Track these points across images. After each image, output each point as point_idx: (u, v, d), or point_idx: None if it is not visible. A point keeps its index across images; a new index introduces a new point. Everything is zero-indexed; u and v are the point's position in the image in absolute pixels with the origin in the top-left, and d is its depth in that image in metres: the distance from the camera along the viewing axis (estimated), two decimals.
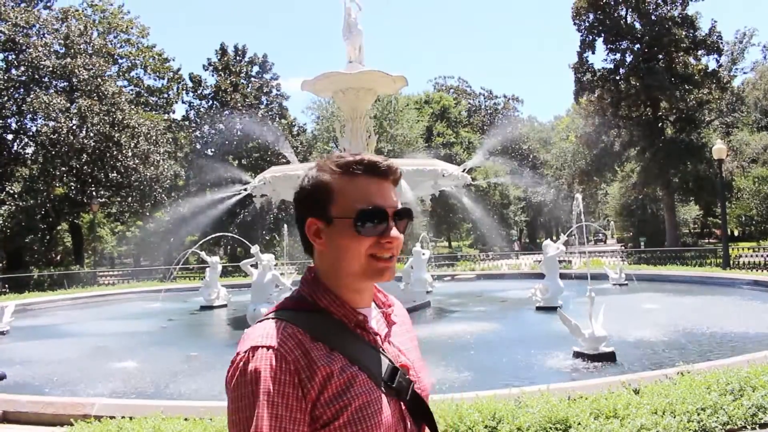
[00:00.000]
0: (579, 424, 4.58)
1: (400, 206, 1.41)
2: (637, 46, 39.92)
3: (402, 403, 1.38)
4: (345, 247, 1.36)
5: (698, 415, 4.78)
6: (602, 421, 4.66)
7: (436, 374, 7.86)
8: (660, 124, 40.85)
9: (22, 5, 33.46)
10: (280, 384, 1.23)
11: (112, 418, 5.35)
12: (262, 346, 1.26)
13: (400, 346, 1.48)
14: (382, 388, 1.33)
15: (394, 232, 1.36)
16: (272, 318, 1.34)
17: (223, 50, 48.69)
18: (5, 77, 31.98)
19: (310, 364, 1.26)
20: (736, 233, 59.51)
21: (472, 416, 4.70)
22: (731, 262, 23.66)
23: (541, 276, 15.53)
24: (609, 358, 8.16)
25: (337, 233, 1.36)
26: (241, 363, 1.26)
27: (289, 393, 1.23)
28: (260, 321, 1.36)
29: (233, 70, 48.13)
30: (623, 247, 44.60)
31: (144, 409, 5.58)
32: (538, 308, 13.74)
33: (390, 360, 1.39)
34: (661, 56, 38.91)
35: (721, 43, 39.78)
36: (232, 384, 1.26)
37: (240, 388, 1.24)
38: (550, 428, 4.60)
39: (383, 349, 1.41)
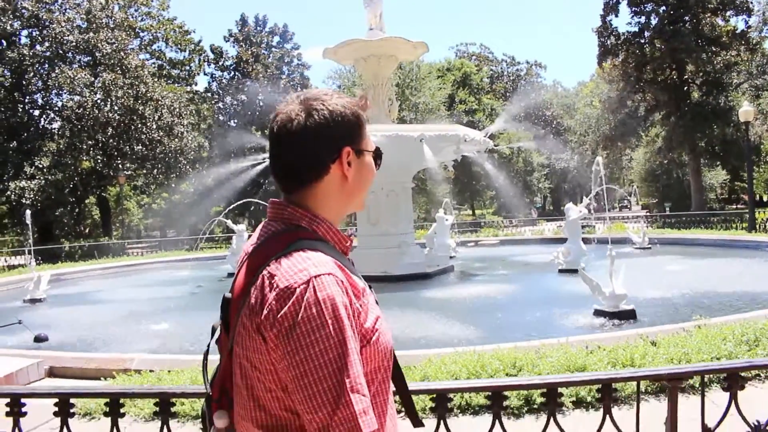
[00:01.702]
0: (596, 371, 4.76)
1: None
2: (663, 8, 39.05)
3: None
4: (367, 179, 1.49)
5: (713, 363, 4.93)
6: (619, 369, 4.83)
7: (459, 331, 8.09)
8: (686, 88, 40.15)
9: None
10: (346, 307, 1.23)
11: (151, 371, 5.65)
12: (323, 274, 1.24)
13: None
14: None
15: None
16: (304, 248, 1.31)
17: (243, 21, 48.75)
18: (30, 53, 32.42)
19: (353, 286, 1.29)
20: (764, 198, 58.69)
21: (494, 364, 4.91)
22: (758, 226, 23.46)
23: (563, 241, 15.61)
24: (629, 315, 8.30)
25: (365, 165, 1.47)
26: (307, 294, 1.20)
27: (351, 315, 1.23)
28: (290, 253, 1.29)
29: (254, 40, 48.22)
30: (648, 213, 44.29)
31: (180, 364, 5.87)
32: (561, 271, 13.85)
33: None
34: (687, 18, 38.08)
35: (751, 2, 38.80)
36: (303, 317, 1.19)
37: (317, 318, 1.19)
38: None
39: None
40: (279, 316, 1.21)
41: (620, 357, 5.08)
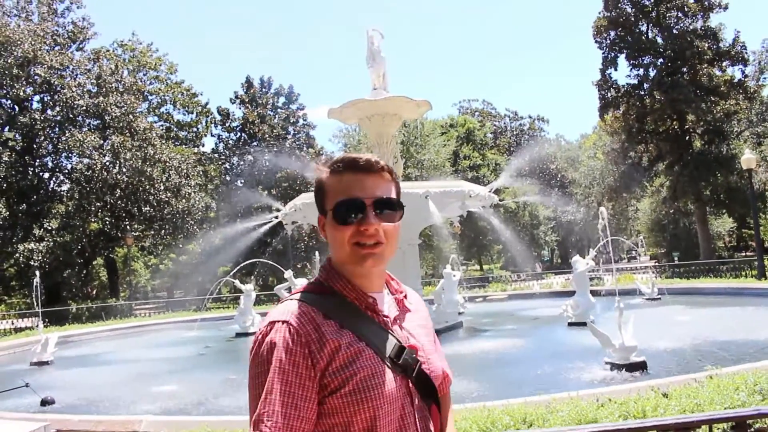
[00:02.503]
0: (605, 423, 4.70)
1: (384, 197, 1.54)
2: (660, 60, 39.83)
3: (410, 381, 1.52)
4: (333, 237, 1.55)
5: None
6: (631, 421, 4.78)
7: (469, 387, 8.01)
8: (687, 137, 40.53)
9: (57, 48, 34.69)
10: (292, 353, 1.39)
11: None
12: (278, 321, 1.44)
13: (411, 330, 1.62)
14: (388, 363, 1.48)
15: (372, 220, 1.49)
16: (291, 299, 1.53)
17: (249, 83, 49.65)
18: (42, 118, 33.03)
19: (321, 338, 1.42)
20: None
21: (504, 420, 4.86)
22: (767, 272, 23.31)
23: (572, 294, 15.52)
24: (640, 367, 8.23)
25: (328, 225, 1.56)
26: (260, 336, 1.45)
27: (299, 362, 1.39)
28: (282, 302, 1.53)
29: (260, 102, 49.00)
30: (656, 262, 44.08)
31: (189, 425, 5.82)
32: (570, 324, 13.73)
33: (398, 340, 1.53)
34: (684, 69, 38.73)
35: (746, 52, 39.45)
36: (252, 355, 1.46)
37: (257, 357, 1.43)
38: None
39: (392, 330, 1.56)
40: (249, 352, 1.49)
41: (631, 410, 5.02)
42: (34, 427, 6.34)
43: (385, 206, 1.53)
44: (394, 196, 1.58)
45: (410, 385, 1.52)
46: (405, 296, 1.69)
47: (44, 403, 8.70)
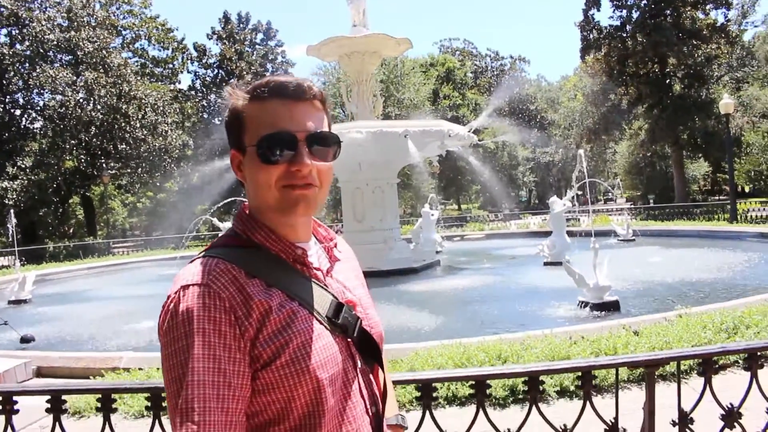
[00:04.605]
0: (578, 359, 4.85)
1: (318, 130, 1.28)
2: (644, 2, 39.50)
3: (350, 341, 1.32)
4: (254, 179, 1.28)
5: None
6: (603, 358, 4.93)
7: (445, 324, 8.18)
8: (668, 81, 40.59)
9: None
10: (216, 322, 1.13)
11: (140, 369, 5.68)
12: (193, 284, 1.17)
13: (345, 282, 1.41)
14: (326, 324, 1.26)
15: (306, 158, 1.24)
16: (203, 256, 1.25)
17: (226, 18, 48.55)
18: (10, 52, 32.10)
19: (246, 301, 1.17)
20: (746, 189, 59.33)
21: (479, 356, 4.99)
22: (739, 216, 23.77)
23: (548, 234, 15.72)
24: (613, 306, 8.42)
25: (248, 163, 1.28)
26: (172, 305, 1.16)
27: (226, 332, 1.13)
28: (191, 261, 1.26)
29: (237, 38, 48.06)
30: (632, 205, 44.68)
31: None
32: (546, 264, 13.98)
33: (334, 295, 1.32)
34: (668, 11, 38.51)
35: None
36: (164, 328, 1.16)
37: (172, 331, 1.13)
38: None
39: (326, 285, 1.34)
40: (159, 321, 1.19)
41: (603, 347, 5.18)
42: (14, 363, 6.39)
43: (319, 141, 1.27)
44: (326, 128, 1.31)
45: (351, 346, 1.32)
46: (335, 245, 1.46)
47: (24, 340, 8.72)
